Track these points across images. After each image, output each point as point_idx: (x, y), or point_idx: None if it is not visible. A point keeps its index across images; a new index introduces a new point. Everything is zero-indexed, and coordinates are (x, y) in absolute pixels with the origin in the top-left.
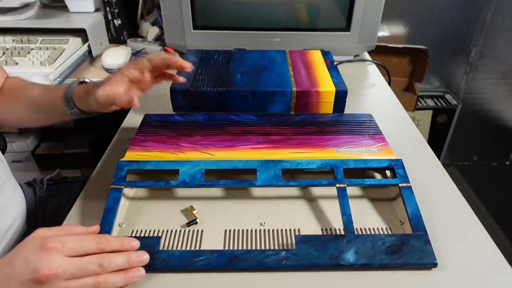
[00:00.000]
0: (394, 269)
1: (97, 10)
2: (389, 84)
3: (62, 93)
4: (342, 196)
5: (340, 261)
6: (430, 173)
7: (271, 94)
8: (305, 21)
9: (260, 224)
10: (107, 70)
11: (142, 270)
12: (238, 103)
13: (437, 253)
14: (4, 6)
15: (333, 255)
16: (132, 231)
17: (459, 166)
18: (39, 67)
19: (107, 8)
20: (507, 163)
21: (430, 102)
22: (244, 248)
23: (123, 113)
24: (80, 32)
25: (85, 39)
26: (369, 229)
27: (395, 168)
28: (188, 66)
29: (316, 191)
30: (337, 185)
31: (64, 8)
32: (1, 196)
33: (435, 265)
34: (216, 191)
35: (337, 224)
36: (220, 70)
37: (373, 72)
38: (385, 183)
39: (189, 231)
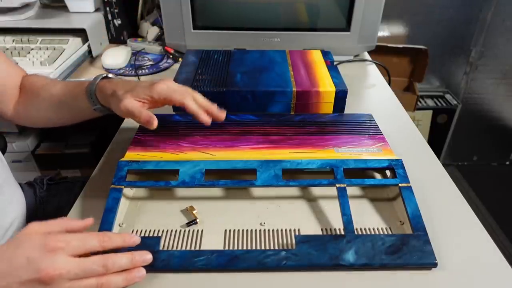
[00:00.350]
0: (394, 269)
1: (97, 10)
2: (389, 84)
3: (84, 88)
4: (342, 196)
5: (340, 261)
6: (430, 173)
7: (271, 94)
8: (305, 21)
9: (260, 224)
10: (107, 70)
11: (143, 270)
12: (238, 103)
13: (437, 253)
14: (4, 6)
15: (333, 255)
16: (132, 231)
17: (459, 166)
18: (39, 67)
19: (107, 8)
20: (507, 163)
21: (430, 102)
22: (244, 248)
23: None
24: (80, 32)
25: (85, 39)
26: (369, 229)
27: (395, 168)
28: (222, 117)
29: (316, 191)
30: (337, 185)
31: (64, 8)
32: (1, 196)
33: (435, 265)
34: (216, 191)
35: (337, 224)
36: (220, 70)
37: (373, 72)
38: (385, 183)
39: (189, 231)
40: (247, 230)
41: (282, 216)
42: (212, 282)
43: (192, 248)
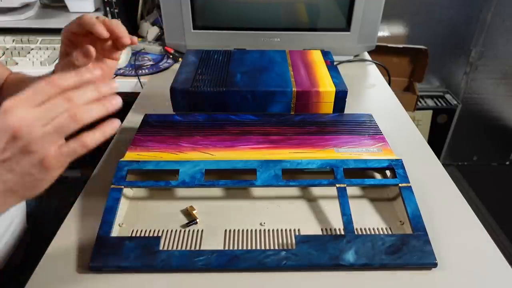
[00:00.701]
0: (394, 269)
1: (97, 10)
2: (389, 84)
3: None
4: (342, 196)
5: (340, 261)
6: (430, 173)
7: (271, 94)
8: (305, 21)
9: (260, 224)
10: None
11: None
12: (238, 103)
13: (437, 253)
14: (4, 6)
15: (333, 255)
16: (132, 231)
17: (459, 166)
18: (39, 67)
19: (107, 8)
20: (507, 163)
21: (430, 102)
22: (244, 248)
23: (123, 113)
24: None
25: None
26: (369, 229)
27: (395, 168)
28: (135, 40)
29: (316, 191)
30: (337, 185)
31: (64, 8)
32: None
33: (435, 265)
34: (216, 191)
35: (337, 224)
36: (220, 70)
37: (373, 72)
38: (385, 183)
39: (189, 231)
40: (247, 230)
41: (282, 216)
42: (212, 282)
43: (192, 248)
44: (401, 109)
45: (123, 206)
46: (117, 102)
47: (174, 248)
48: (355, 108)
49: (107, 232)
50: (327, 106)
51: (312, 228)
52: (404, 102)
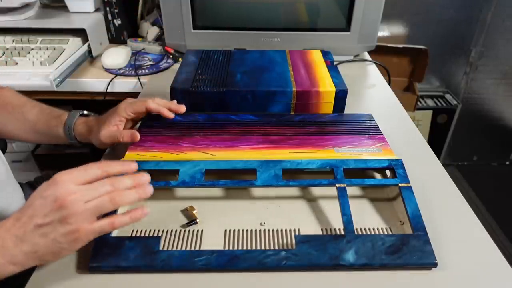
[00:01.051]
0: (394, 269)
1: (97, 10)
2: (389, 84)
3: (62, 123)
4: (342, 196)
5: (340, 261)
6: (430, 173)
7: (271, 94)
8: (305, 21)
9: (260, 224)
10: (107, 70)
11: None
12: (238, 103)
13: (437, 253)
14: (4, 6)
15: (333, 255)
16: (132, 231)
17: (459, 166)
18: (39, 67)
19: (107, 8)
20: (507, 163)
21: (430, 102)
22: (244, 248)
23: None
24: (80, 32)
25: (85, 39)
26: (369, 229)
27: (395, 168)
28: (182, 109)
29: (316, 191)
30: (337, 185)
31: (64, 8)
32: (1, 195)
33: (435, 265)
34: (216, 191)
35: (337, 224)
36: (220, 70)
37: (373, 72)
38: (385, 183)
39: (189, 231)
40: (247, 230)
41: (282, 216)
42: (212, 282)
43: (192, 248)
44: (401, 109)
45: (123, 206)
46: (150, 191)
47: (174, 248)
48: (355, 108)
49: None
50: (327, 106)
51: (312, 228)
52: (404, 102)
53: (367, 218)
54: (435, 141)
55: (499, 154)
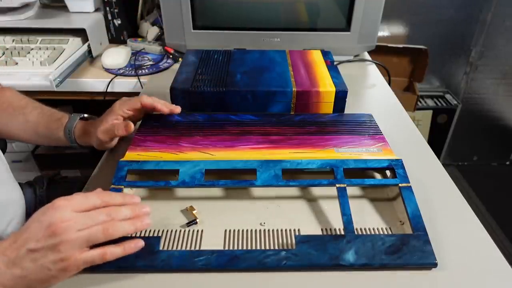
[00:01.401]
0: (394, 269)
1: (97, 10)
2: (389, 84)
3: (63, 126)
4: (342, 196)
5: (340, 261)
6: (430, 173)
7: (271, 94)
8: (305, 21)
9: (260, 224)
10: (107, 70)
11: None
12: (238, 103)
13: (437, 253)
14: (4, 6)
15: (333, 255)
16: None
17: (459, 166)
18: (39, 67)
19: (107, 8)
20: (507, 163)
21: (430, 102)
22: (244, 248)
23: None
24: (80, 32)
25: (85, 39)
26: (369, 229)
27: (395, 168)
28: (177, 110)
29: (316, 191)
30: (337, 185)
31: (64, 8)
32: (0, 195)
33: (435, 265)
34: (216, 191)
35: (337, 224)
36: (220, 70)
37: (373, 72)
38: (385, 183)
39: (189, 231)
40: (247, 230)
41: (282, 216)
42: (212, 282)
43: (192, 248)
44: (401, 109)
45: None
46: (148, 223)
47: (174, 248)
48: (355, 108)
49: None
50: (327, 106)
51: (312, 228)
52: (404, 102)
53: (367, 218)
54: (435, 141)
55: (499, 154)
